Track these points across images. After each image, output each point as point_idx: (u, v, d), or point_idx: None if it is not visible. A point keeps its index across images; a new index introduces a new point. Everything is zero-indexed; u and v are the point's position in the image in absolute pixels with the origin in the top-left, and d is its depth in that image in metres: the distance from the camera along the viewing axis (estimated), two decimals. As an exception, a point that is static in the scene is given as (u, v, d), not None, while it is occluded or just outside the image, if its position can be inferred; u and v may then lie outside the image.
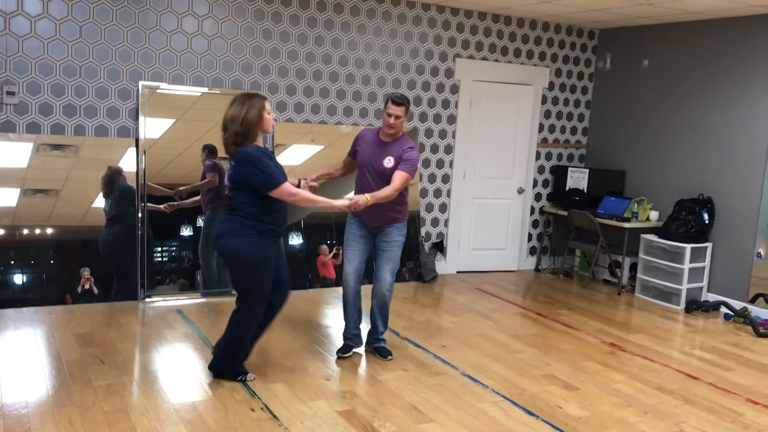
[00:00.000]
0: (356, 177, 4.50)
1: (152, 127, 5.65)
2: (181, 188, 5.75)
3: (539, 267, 7.71)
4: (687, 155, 6.74)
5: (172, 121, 5.73)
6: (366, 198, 4.07)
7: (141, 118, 5.57)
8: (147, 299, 5.53)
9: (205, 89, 5.81)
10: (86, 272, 5.40)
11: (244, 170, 3.72)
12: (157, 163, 5.67)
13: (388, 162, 4.32)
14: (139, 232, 5.55)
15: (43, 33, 5.22)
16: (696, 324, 5.96)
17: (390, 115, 4.29)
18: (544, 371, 4.51)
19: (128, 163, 5.58)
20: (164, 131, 5.71)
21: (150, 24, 5.54)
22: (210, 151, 5.82)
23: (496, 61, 7.10)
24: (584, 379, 4.43)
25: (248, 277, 3.82)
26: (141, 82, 5.57)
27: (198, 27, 5.72)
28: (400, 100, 4.29)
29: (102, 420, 3.42)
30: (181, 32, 5.67)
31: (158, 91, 5.64)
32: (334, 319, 5.40)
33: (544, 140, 7.57)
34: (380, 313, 4.53)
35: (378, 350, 4.58)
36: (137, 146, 5.59)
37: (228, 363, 3.98)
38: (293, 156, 6.26)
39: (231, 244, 3.77)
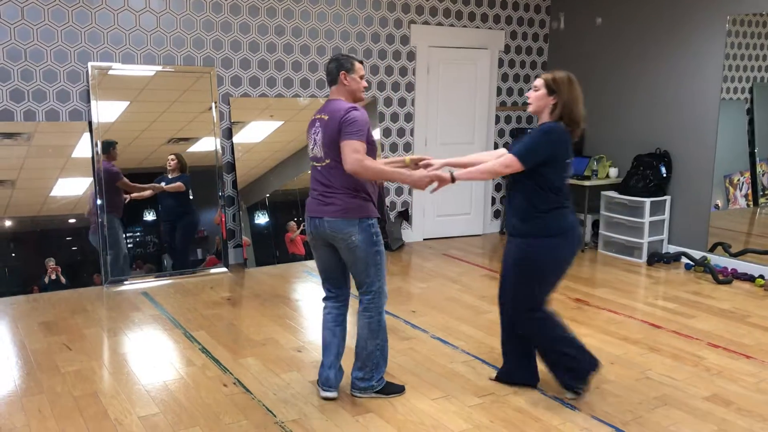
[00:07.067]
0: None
1: (106, 111, 5.52)
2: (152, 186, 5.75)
3: (504, 230, 7.79)
4: (643, 111, 6.83)
5: (127, 103, 5.61)
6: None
7: (93, 102, 5.44)
8: (112, 284, 5.45)
9: (158, 67, 5.70)
10: (51, 262, 5.30)
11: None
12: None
13: None
14: (100, 219, 5.46)
15: (-16, 17, 5.06)
16: (658, 275, 6.09)
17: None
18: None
19: (83, 149, 5.46)
20: (119, 114, 5.58)
21: (95, 3, 5.39)
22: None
23: (452, 25, 7.08)
24: (552, 334, 4.51)
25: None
26: (90, 63, 5.43)
27: (145, 4, 5.59)
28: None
29: (72, 406, 3.38)
30: (129, 10, 5.53)
31: (110, 72, 5.51)
32: (302, 293, 5.41)
33: (503, 104, 7.60)
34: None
35: None
36: (90, 130, 5.47)
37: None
38: (253, 133, 6.19)
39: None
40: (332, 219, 3.27)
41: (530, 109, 3.50)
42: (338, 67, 3.37)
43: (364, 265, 3.34)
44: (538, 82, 3.43)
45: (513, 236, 3.48)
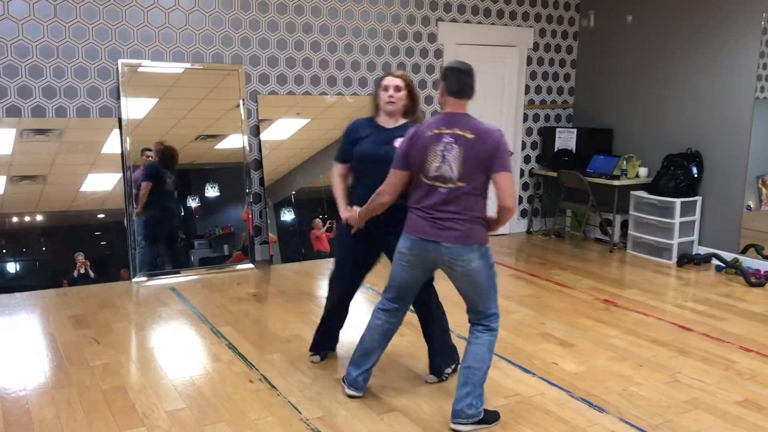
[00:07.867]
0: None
1: (135, 108, 5.58)
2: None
3: (531, 229, 7.72)
4: (674, 110, 6.73)
5: (155, 100, 5.66)
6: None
7: (123, 98, 5.50)
8: (140, 279, 5.51)
9: (187, 65, 5.74)
10: (81, 256, 5.37)
11: None
12: (141, 146, 5.61)
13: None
14: (130, 217, 5.52)
15: (17, 14, 5.13)
16: (688, 277, 6.00)
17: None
18: (539, 330, 4.54)
19: (113, 146, 5.52)
20: (148, 111, 5.63)
21: (126, 0, 5.45)
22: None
23: (480, 23, 7.04)
24: (579, 335, 4.46)
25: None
26: (120, 60, 5.49)
27: (175, 2, 5.63)
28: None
29: (101, 399, 3.42)
30: (158, 7, 5.58)
31: (139, 69, 5.57)
32: (327, 290, 5.40)
33: (531, 102, 7.54)
34: None
35: None
36: (120, 127, 5.53)
37: None
38: (280, 131, 6.21)
39: None
40: (451, 245, 3.03)
41: (393, 108, 3.52)
42: (474, 81, 3.12)
43: (486, 289, 3.15)
44: (400, 82, 3.51)
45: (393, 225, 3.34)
